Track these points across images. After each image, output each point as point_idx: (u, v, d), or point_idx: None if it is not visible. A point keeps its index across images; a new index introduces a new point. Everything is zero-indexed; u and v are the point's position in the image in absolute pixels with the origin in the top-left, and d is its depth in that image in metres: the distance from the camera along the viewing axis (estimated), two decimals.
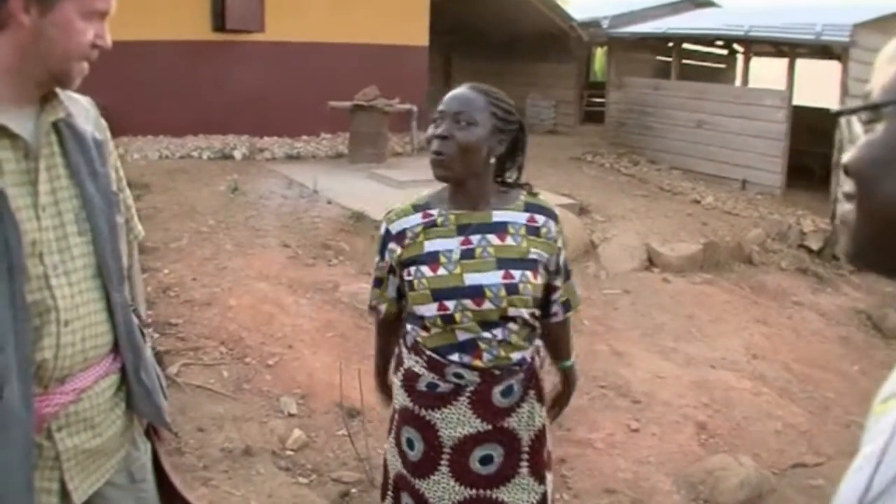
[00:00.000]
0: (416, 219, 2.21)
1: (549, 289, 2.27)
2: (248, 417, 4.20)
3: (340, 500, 3.62)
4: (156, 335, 4.93)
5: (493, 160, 2.17)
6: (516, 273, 2.13)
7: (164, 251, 6.48)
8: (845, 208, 0.87)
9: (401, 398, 2.25)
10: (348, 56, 11.73)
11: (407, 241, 2.20)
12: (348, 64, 11.56)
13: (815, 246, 9.63)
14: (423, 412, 2.19)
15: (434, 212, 2.21)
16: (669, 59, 13.62)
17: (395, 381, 2.31)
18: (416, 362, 2.21)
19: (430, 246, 2.17)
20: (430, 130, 2.16)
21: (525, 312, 2.15)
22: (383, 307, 2.35)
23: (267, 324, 5.30)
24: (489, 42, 15.84)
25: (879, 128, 0.81)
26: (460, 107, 2.13)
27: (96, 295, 1.69)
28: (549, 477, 2.28)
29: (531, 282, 2.14)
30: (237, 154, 10.43)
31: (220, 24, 10.95)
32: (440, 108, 2.16)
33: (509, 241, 2.16)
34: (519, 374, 2.18)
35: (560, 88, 15.03)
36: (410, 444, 2.22)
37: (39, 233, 1.58)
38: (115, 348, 1.76)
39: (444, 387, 2.17)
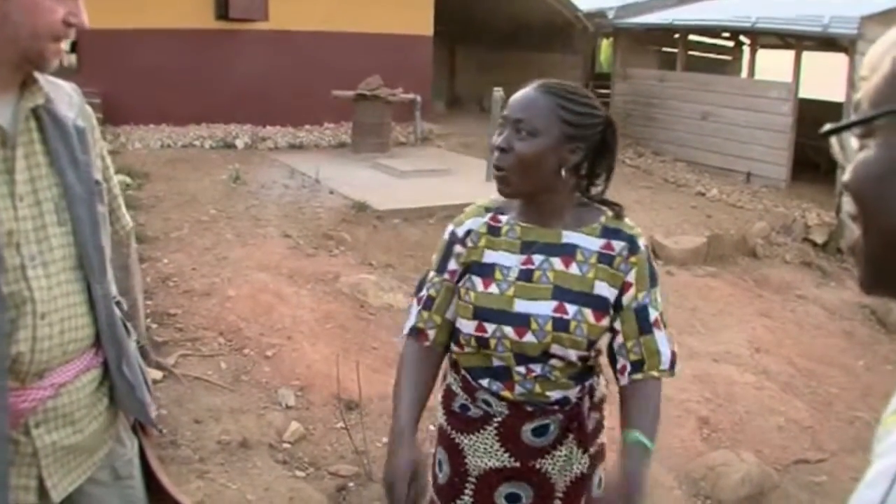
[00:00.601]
0: (483, 221, 1.96)
1: (612, 334, 1.93)
2: (246, 409, 4.17)
3: (337, 493, 3.58)
4: (154, 325, 4.90)
5: (564, 172, 1.86)
6: (571, 308, 1.83)
7: (164, 241, 6.45)
8: (853, 233, 0.82)
9: (439, 415, 2.07)
10: (352, 45, 11.68)
11: (470, 244, 1.95)
12: (352, 53, 11.51)
13: (819, 240, 9.59)
14: (453, 434, 2.00)
15: (503, 219, 1.95)
16: (675, 51, 13.54)
17: (438, 397, 2.09)
18: (455, 380, 2.01)
19: (489, 256, 1.92)
20: (495, 138, 1.90)
21: (573, 355, 1.85)
22: (432, 333, 1.99)
23: (266, 315, 5.26)
24: (494, 33, 15.75)
25: (872, 143, 0.76)
26: (521, 113, 1.84)
27: (76, 287, 1.63)
28: None
29: (588, 321, 1.83)
30: (239, 143, 10.40)
31: (223, 12, 10.91)
32: (504, 112, 1.89)
33: (574, 268, 1.86)
34: (556, 413, 1.90)
35: (565, 79, 14.70)
36: (440, 465, 2.05)
37: (16, 223, 1.52)
38: (98, 342, 1.70)
39: (473, 411, 1.96)
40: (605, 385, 2.02)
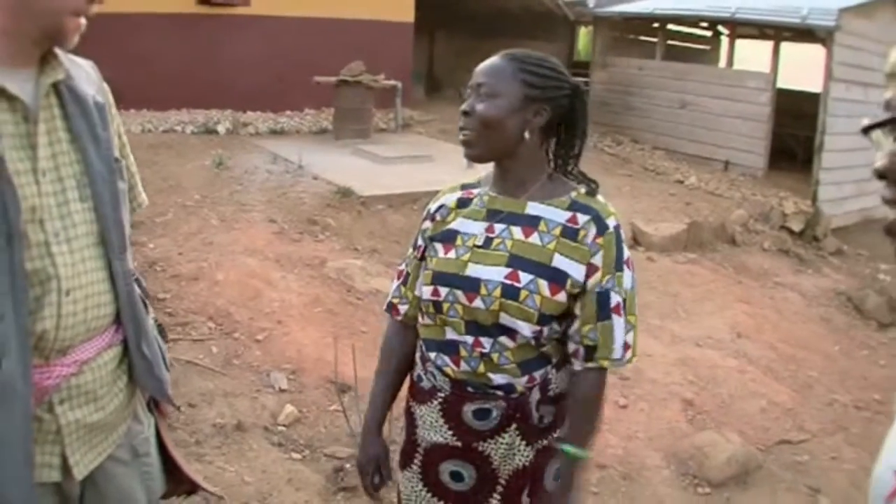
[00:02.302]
0: (456, 195, 2.02)
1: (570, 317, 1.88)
2: (239, 393, 4.19)
3: (334, 474, 3.61)
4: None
5: (528, 135, 1.87)
6: (525, 277, 1.82)
7: (149, 226, 6.44)
8: (890, 216, 0.89)
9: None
10: (333, 31, 11.66)
11: (438, 218, 2.01)
12: (333, 39, 11.49)
13: (796, 227, 9.73)
14: (411, 402, 2.06)
15: (476, 191, 1.99)
16: (654, 40, 13.63)
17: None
18: (418, 348, 2.06)
19: (454, 225, 1.95)
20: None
21: (525, 328, 1.83)
22: (404, 308, 2.08)
23: (255, 299, 5.28)
24: (474, 19, 15.77)
25: None
26: (482, 77, 1.87)
27: (98, 264, 1.62)
28: None
29: (542, 293, 1.81)
30: (220, 129, 10.35)
31: None
32: (470, 81, 1.92)
33: (534, 238, 1.85)
34: (499, 400, 1.89)
35: None
36: (403, 429, 2.10)
37: (39, 198, 1.51)
38: (117, 319, 1.69)
39: (425, 382, 2.00)
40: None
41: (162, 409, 1.96)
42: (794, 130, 12.00)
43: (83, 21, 1.54)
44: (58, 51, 1.58)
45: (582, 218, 1.84)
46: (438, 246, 1.95)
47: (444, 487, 1.99)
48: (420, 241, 2.05)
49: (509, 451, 1.92)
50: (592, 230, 1.83)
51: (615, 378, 5.08)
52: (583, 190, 1.91)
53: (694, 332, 6.14)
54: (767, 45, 12.21)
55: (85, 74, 1.69)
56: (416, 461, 2.03)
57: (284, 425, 3.98)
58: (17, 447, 1.49)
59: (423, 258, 2.03)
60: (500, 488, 1.95)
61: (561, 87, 1.89)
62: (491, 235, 1.89)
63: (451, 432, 1.94)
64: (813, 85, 11.63)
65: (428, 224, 2.03)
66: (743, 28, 12.79)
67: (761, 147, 11.14)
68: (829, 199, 10.42)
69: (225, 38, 10.91)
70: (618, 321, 1.84)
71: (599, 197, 1.91)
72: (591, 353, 1.86)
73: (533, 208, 1.88)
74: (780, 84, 11.52)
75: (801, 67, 13.66)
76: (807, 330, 6.84)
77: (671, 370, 5.31)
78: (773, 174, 11.15)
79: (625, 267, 1.86)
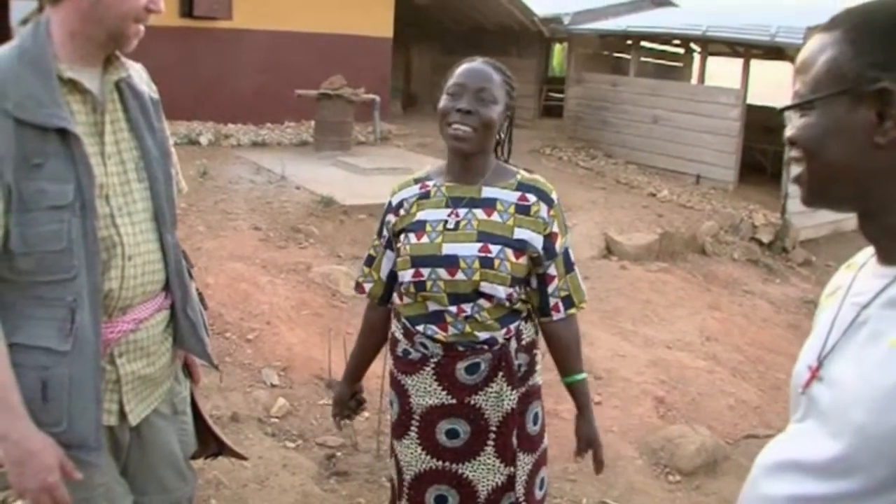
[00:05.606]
0: (414, 190, 2.26)
1: (542, 279, 2.22)
2: (232, 388, 4.37)
3: (327, 461, 3.82)
4: None
5: (502, 134, 2.26)
6: (494, 248, 2.11)
7: None
8: (795, 170, 1.19)
9: (390, 360, 2.35)
10: (313, 45, 11.89)
11: (402, 212, 2.24)
12: (313, 53, 11.73)
13: (765, 239, 10.03)
14: (399, 376, 2.27)
15: (430, 183, 2.25)
16: (628, 57, 13.95)
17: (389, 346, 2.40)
18: (397, 328, 2.28)
19: (420, 215, 2.21)
20: (446, 102, 2.17)
21: (501, 291, 2.12)
22: (368, 286, 2.37)
23: (244, 301, 5.46)
24: (450, 34, 16.06)
25: (814, 113, 1.12)
26: (483, 83, 2.15)
27: (153, 236, 1.86)
28: (527, 459, 2.25)
29: (510, 259, 2.12)
30: (203, 140, 10.53)
31: (187, 9, 11.06)
32: (458, 80, 2.17)
33: (495, 217, 2.15)
34: (486, 353, 2.15)
35: (519, 82, 15.05)
36: (392, 404, 2.34)
37: (106, 178, 1.77)
38: (166, 287, 1.93)
39: (413, 354, 2.22)
40: (536, 331, 2.30)
41: (195, 376, 2.18)
42: (764, 145, 12.34)
43: (142, 28, 1.78)
44: (118, 54, 1.82)
45: (531, 197, 2.19)
46: (410, 235, 2.20)
47: (440, 447, 2.22)
48: (385, 232, 2.30)
49: (498, 399, 2.18)
50: (543, 206, 2.19)
51: (590, 378, 5.30)
52: (525, 172, 2.27)
53: (665, 336, 6.39)
54: (738, 63, 12.56)
55: (137, 74, 1.94)
56: (412, 428, 2.25)
57: (277, 417, 4.17)
58: (90, 388, 1.73)
59: (388, 246, 2.30)
60: (492, 436, 2.20)
61: (514, 93, 2.27)
62: (457, 219, 2.18)
63: (445, 392, 2.19)
64: (782, 101, 11.94)
65: (392, 217, 2.28)
66: (714, 45, 13.14)
67: (732, 161, 11.46)
68: (797, 211, 10.71)
69: (207, 52, 11.10)
70: (577, 271, 2.29)
71: (539, 177, 2.27)
72: (568, 302, 2.25)
73: (487, 192, 2.20)
74: (750, 100, 11.87)
75: (772, 84, 14.02)
76: (774, 335, 7.11)
77: (643, 370, 5.54)
78: (744, 187, 11.48)
79: (566, 228, 2.28)
